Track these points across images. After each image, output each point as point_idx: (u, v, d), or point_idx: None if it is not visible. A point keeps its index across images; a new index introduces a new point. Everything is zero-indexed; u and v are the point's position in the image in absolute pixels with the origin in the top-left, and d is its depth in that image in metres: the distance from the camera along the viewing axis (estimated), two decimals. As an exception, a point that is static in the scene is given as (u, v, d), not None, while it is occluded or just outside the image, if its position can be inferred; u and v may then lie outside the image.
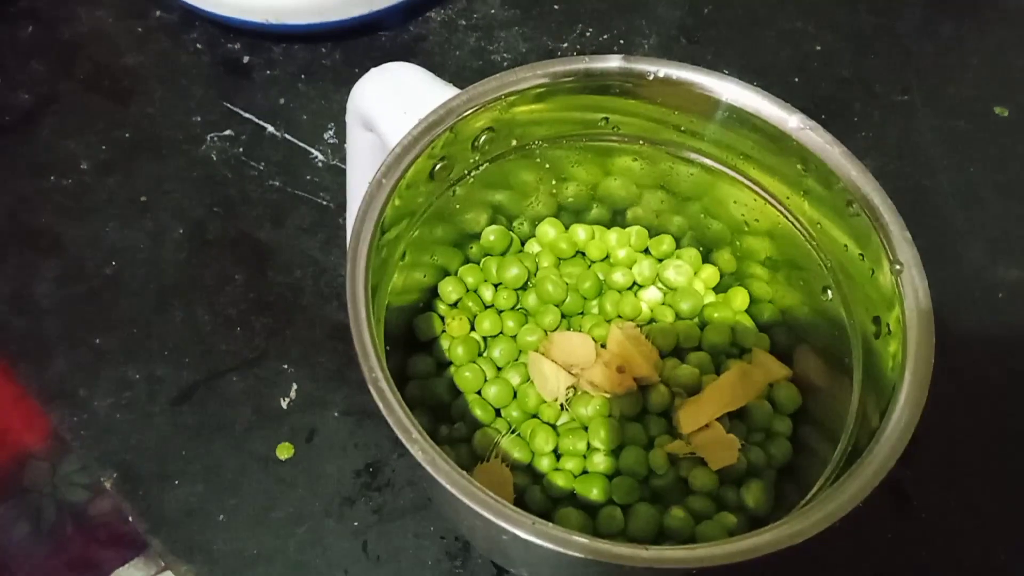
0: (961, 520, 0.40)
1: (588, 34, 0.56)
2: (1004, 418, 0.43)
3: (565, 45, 0.55)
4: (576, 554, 0.24)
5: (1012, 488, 0.41)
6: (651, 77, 0.32)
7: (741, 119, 0.32)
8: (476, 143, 0.33)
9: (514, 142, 0.34)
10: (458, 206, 0.35)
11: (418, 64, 0.51)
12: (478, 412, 0.34)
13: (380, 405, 0.25)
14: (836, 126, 0.52)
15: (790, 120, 0.31)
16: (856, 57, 0.56)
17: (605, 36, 0.56)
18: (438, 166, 0.32)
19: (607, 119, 0.34)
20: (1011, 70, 0.56)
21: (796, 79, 0.55)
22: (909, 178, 0.51)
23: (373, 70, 0.33)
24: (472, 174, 0.34)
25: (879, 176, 0.50)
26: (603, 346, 0.35)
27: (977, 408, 0.43)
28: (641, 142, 0.35)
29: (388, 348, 0.30)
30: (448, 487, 0.24)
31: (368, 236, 0.27)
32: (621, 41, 0.56)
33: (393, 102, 0.31)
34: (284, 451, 0.40)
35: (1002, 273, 0.48)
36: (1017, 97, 0.55)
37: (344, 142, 0.50)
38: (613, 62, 0.32)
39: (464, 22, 0.56)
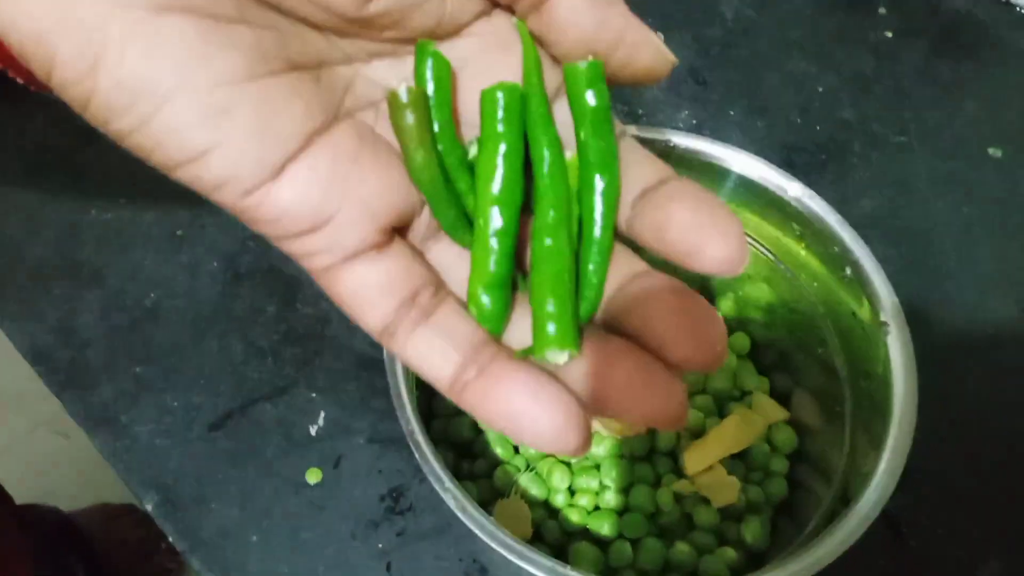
0: (949, 546, 0.43)
1: (601, 74, 0.58)
2: (992, 451, 0.45)
3: (578, 84, 0.58)
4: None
5: (999, 517, 0.43)
6: (661, 146, 0.34)
7: (746, 185, 0.34)
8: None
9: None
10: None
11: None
12: (498, 450, 0.37)
13: (416, 455, 0.27)
14: (835, 166, 0.56)
15: (790, 188, 0.34)
16: (856, 99, 0.58)
17: (617, 76, 0.58)
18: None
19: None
20: (1006, 112, 0.59)
21: (798, 120, 0.57)
22: (905, 218, 0.54)
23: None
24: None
25: (876, 215, 0.53)
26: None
27: (966, 441, 0.45)
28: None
29: (417, 391, 0.32)
30: (478, 532, 0.27)
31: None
32: (632, 81, 0.58)
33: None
34: (313, 476, 0.43)
35: (992, 309, 0.50)
36: (1011, 138, 0.57)
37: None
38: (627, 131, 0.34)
39: (482, 61, 0.58)
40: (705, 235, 0.20)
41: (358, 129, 0.20)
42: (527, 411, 0.19)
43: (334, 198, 0.19)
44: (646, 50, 0.21)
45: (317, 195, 0.19)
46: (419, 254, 0.21)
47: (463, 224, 0.22)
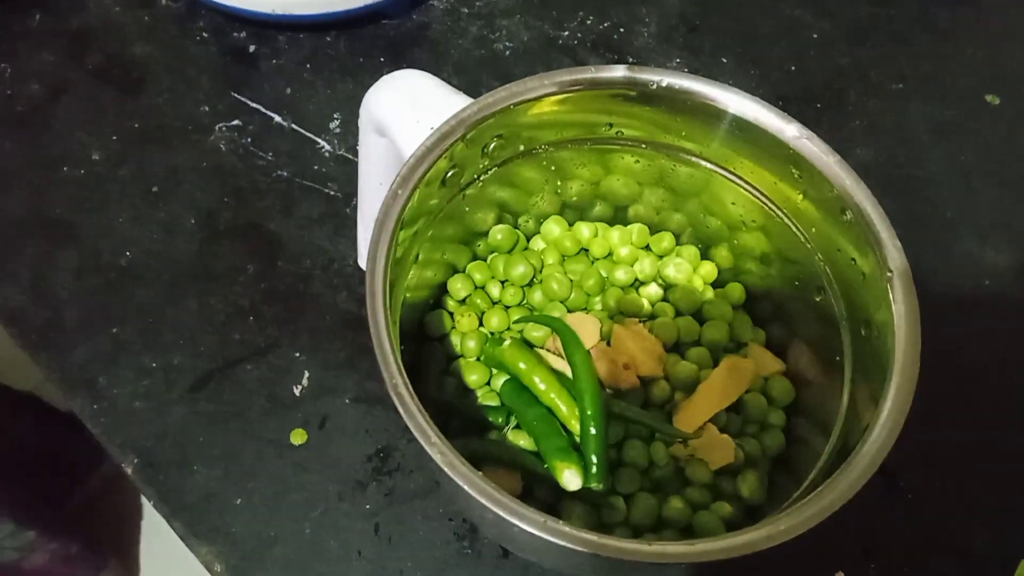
0: (945, 501, 0.42)
1: (589, 22, 0.57)
2: (988, 403, 0.45)
3: (566, 33, 0.56)
4: (584, 549, 0.25)
5: (994, 470, 0.43)
6: (654, 86, 0.33)
7: (741, 127, 0.33)
8: (486, 150, 0.34)
9: (521, 147, 0.35)
10: (467, 208, 0.36)
11: (422, 52, 0.52)
12: (487, 404, 0.36)
13: (400, 410, 0.26)
14: (831, 115, 0.54)
15: (788, 129, 0.32)
16: (852, 46, 0.57)
17: (606, 24, 0.57)
18: (450, 173, 0.33)
19: (611, 124, 0.35)
20: (1004, 59, 0.57)
21: (793, 67, 0.56)
22: (902, 167, 0.53)
23: (386, 77, 0.34)
24: (481, 178, 0.35)
25: (873, 165, 0.52)
26: (608, 343, 0.37)
27: (962, 393, 0.44)
28: (644, 145, 0.36)
29: (402, 346, 0.31)
30: (465, 487, 0.25)
31: (385, 248, 0.29)
32: (621, 29, 0.56)
33: (406, 110, 0.32)
34: (298, 437, 0.42)
35: (990, 259, 0.50)
36: (1009, 85, 0.56)
37: (350, 132, 0.51)
38: (618, 72, 0.33)
39: (466, 10, 0.57)
40: None
41: None
42: None
43: None
44: None
45: None
46: None
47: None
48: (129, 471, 0.41)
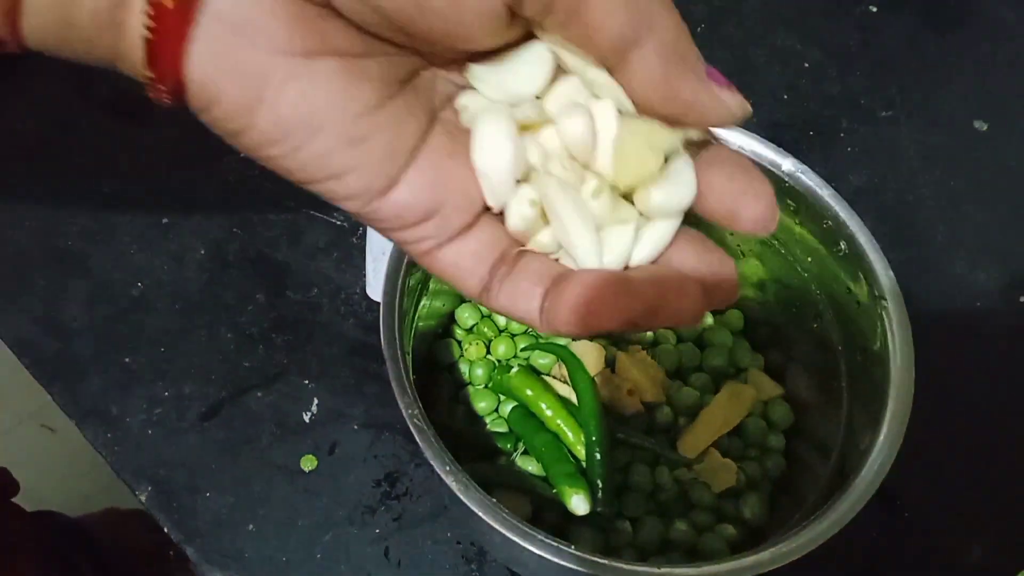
0: (942, 518, 0.43)
1: (587, 53, 0.58)
2: (983, 423, 0.46)
3: (565, 64, 0.57)
4: (596, 573, 0.26)
5: (989, 489, 0.44)
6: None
7: (738, 161, 0.34)
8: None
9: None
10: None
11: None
12: (496, 430, 0.37)
13: (418, 438, 0.27)
14: (824, 142, 0.56)
15: (784, 164, 0.33)
16: (842, 74, 0.58)
17: (603, 54, 0.58)
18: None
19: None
20: (991, 85, 0.59)
21: (785, 96, 0.57)
22: (893, 192, 0.54)
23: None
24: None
25: (865, 191, 0.53)
26: (612, 370, 0.38)
27: (957, 414, 0.45)
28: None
29: (414, 376, 0.32)
30: (480, 514, 0.26)
31: (400, 278, 0.30)
32: (618, 60, 0.58)
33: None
34: (308, 463, 0.43)
35: (981, 282, 0.51)
36: (996, 111, 0.57)
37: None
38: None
39: (467, 42, 0.58)
40: (740, 200, 0.20)
41: (446, 126, 0.22)
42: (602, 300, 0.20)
43: (440, 192, 0.21)
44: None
45: (427, 193, 0.21)
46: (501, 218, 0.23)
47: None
48: (143, 498, 0.42)
